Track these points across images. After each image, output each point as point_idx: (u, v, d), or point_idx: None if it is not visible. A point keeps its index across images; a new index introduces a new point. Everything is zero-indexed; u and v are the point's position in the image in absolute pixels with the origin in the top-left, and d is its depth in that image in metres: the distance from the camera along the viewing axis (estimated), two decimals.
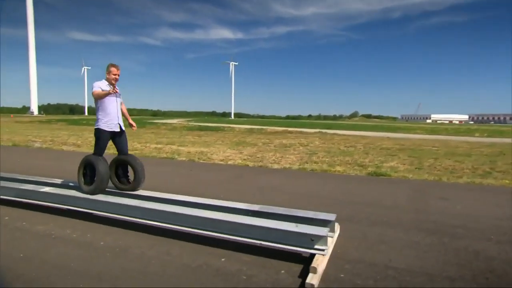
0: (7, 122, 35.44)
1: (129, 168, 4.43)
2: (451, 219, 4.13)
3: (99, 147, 4.17)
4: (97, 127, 4.17)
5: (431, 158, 10.12)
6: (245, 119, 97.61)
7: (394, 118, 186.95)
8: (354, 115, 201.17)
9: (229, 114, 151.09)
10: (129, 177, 4.45)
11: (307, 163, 8.98)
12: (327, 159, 9.74)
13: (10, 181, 4.82)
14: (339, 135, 22.74)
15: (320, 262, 2.69)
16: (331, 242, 3.13)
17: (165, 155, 9.97)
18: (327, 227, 3.21)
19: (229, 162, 8.86)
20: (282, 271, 2.74)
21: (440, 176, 7.17)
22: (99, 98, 4.06)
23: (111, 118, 4.16)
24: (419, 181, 6.71)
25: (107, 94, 4.03)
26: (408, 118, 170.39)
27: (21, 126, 27.46)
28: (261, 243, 2.99)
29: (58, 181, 4.76)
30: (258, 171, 7.57)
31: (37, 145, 12.55)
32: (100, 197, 3.94)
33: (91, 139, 15.41)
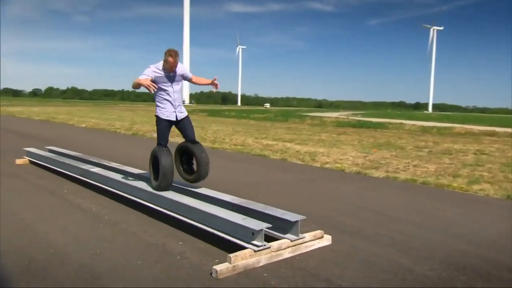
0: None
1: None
2: None
3: (159, 135, 5.28)
4: (155, 114, 5.26)
5: None
6: (448, 113, 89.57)
7: None
8: None
9: (424, 106, 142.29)
10: (193, 167, 5.36)
11: (440, 176, 8.82)
12: (483, 174, 9.21)
13: (82, 162, 7.41)
14: None
15: (247, 256, 3.52)
16: (289, 244, 3.83)
17: (264, 152, 11.61)
18: (292, 228, 3.93)
19: (327, 166, 9.66)
20: (217, 260, 3.71)
21: None
22: (135, 88, 5.11)
23: (167, 105, 5.15)
24: None
25: (139, 85, 4.93)
26: None
27: None
28: (213, 232, 4.04)
29: (115, 165, 6.99)
30: (343, 178, 8.17)
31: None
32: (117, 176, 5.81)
33: (211, 132, 18.82)
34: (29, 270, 3.46)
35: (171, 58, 4.97)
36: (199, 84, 5.56)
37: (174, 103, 5.18)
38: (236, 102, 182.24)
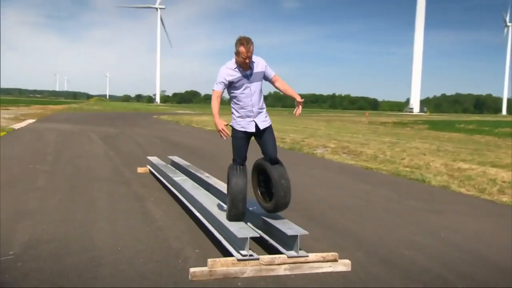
0: (355, 122, 47.88)
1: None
2: None
3: (234, 151, 5.76)
4: (230, 124, 5.75)
5: None
6: None
7: None
8: None
9: None
10: (272, 191, 5.65)
11: None
12: None
13: (181, 172, 9.55)
14: None
15: (228, 264, 4.74)
16: (284, 260, 4.87)
17: (433, 179, 11.91)
18: (293, 244, 4.99)
19: (505, 199, 9.60)
20: None
21: None
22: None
23: (244, 112, 5.64)
24: None
25: (217, 127, 5.58)
26: None
27: (359, 128, 36.74)
28: (217, 237, 5.42)
29: (205, 176, 8.86)
30: (492, 214, 8.29)
31: (318, 151, 18.23)
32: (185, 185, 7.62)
33: (397, 151, 19.52)
34: (56, 254, 5.39)
35: (243, 47, 5.34)
36: (283, 91, 5.95)
37: (253, 108, 5.64)
38: (499, 110, 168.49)
